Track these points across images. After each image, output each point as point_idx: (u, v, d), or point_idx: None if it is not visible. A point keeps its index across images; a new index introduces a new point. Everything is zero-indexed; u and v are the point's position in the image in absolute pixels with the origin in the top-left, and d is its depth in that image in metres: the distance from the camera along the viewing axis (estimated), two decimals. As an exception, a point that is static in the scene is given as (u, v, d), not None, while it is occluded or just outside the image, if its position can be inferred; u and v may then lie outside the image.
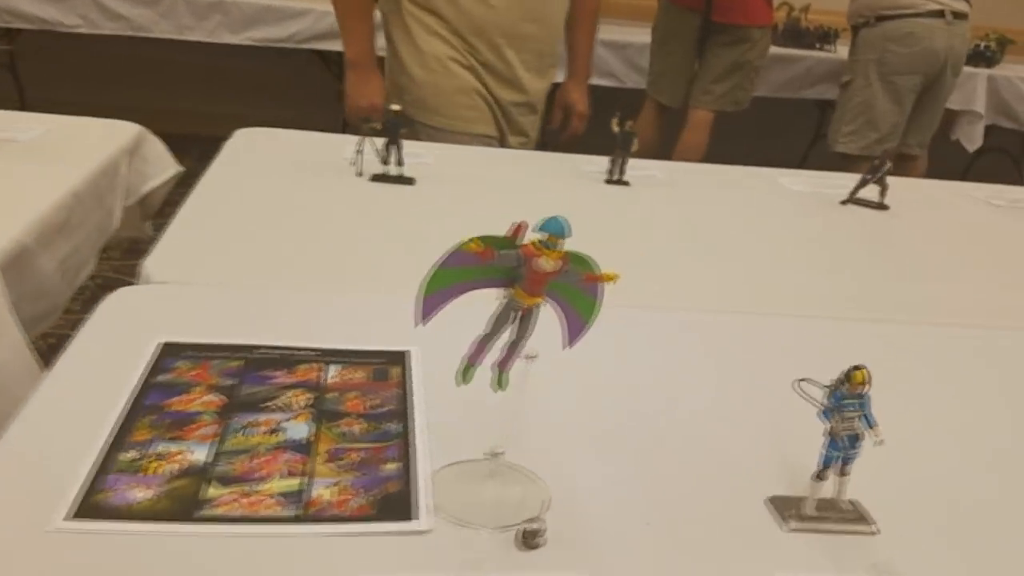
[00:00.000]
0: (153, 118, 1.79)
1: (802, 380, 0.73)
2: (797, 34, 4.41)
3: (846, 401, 0.73)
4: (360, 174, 1.55)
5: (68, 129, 1.64)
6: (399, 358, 0.93)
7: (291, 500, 0.70)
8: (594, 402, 0.91)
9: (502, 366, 0.71)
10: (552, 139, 2.34)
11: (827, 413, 0.73)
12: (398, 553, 0.66)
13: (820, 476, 0.75)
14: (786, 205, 1.71)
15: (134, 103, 2.96)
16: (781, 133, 4.37)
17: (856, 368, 0.72)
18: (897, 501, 0.79)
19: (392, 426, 0.81)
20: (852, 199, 1.72)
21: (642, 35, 3.74)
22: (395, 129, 1.52)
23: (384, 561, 0.65)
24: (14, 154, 1.46)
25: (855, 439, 0.73)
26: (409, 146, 1.72)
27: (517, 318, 0.69)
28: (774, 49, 4.15)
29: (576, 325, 0.73)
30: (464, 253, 0.65)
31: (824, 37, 4.41)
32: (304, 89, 4.35)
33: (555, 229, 0.66)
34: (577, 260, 0.69)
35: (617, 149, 1.69)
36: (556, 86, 2.28)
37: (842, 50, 4.29)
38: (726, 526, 0.74)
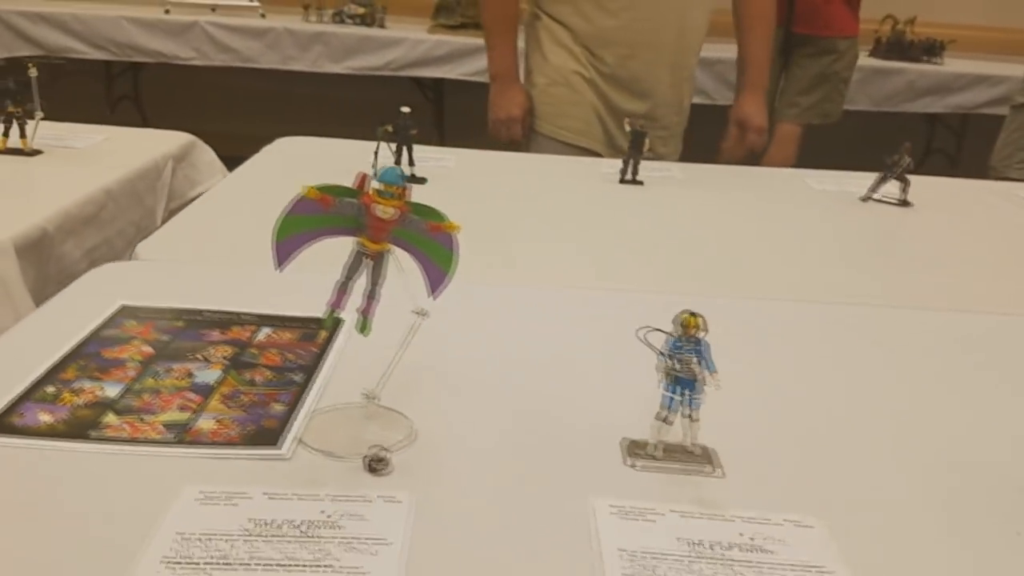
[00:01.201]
0: (261, 143, 1.89)
1: (646, 328, 0.77)
2: (901, 47, 4.31)
3: (680, 345, 0.76)
4: (376, 175, 1.63)
5: (123, 138, 1.80)
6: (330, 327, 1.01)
7: (174, 429, 0.78)
8: (481, 356, 0.97)
9: (363, 312, 0.78)
10: (728, 159, 2.28)
11: (663, 357, 0.76)
12: (257, 473, 0.73)
13: (663, 418, 0.78)
14: (805, 202, 1.71)
15: (244, 130, 3.16)
16: (890, 149, 4.28)
17: (688, 313, 0.75)
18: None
19: (295, 376, 0.89)
20: (873, 196, 1.70)
21: (732, 51, 3.73)
22: (405, 131, 1.61)
23: (243, 478, 0.72)
24: (65, 158, 1.62)
25: (694, 383, 0.77)
26: (432, 151, 1.83)
27: (370, 265, 0.76)
28: (876, 62, 4.09)
29: (436, 276, 0.79)
30: (307, 201, 0.73)
31: (930, 50, 4.28)
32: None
33: (390, 178, 0.72)
34: (421, 210, 0.75)
35: (629, 149, 1.72)
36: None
37: (950, 62, 4.17)
38: (573, 463, 0.78)
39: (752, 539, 0.69)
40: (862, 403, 0.93)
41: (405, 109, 1.62)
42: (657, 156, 2.16)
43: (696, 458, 0.79)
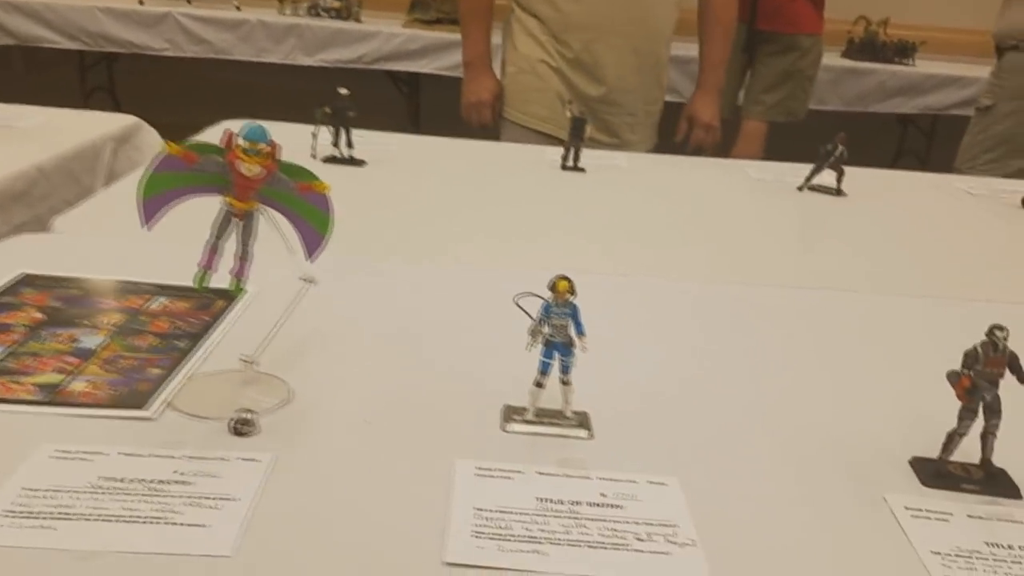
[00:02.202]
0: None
1: (522, 294, 0.77)
2: (874, 48, 4.32)
3: (554, 310, 0.76)
4: (314, 156, 1.64)
5: (65, 119, 1.79)
6: (230, 295, 1.00)
7: (45, 390, 0.78)
8: (376, 328, 0.97)
9: (235, 273, 0.78)
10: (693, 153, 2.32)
11: (539, 322, 0.76)
12: (118, 433, 0.73)
13: (538, 383, 0.78)
14: (741, 190, 1.71)
15: (219, 120, 3.15)
16: (862, 149, 4.29)
17: (560, 278, 0.75)
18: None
19: (180, 343, 0.89)
20: (809, 186, 1.70)
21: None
22: (343, 112, 1.60)
23: (103, 438, 0.72)
24: (2, 136, 1.61)
25: (567, 347, 0.77)
26: (377, 135, 1.82)
27: (239, 225, 0.76)
28: (848, 62, 4.10)
29: (313, 239, 0.79)
30: (171, 158, 0.72)
31: (902, 51, 4.29)
32: (376, 106, 4.51)
33: (254, 135, 0.72)
34: (290, 169, 0.75)
35: (570, 136, 1.72)
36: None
37: (922, 64, 4.19)
38: (445, 429, 0.78)
39: (605, 495, 0.69)
40: (746, 376, 0.93)
41: (343, 91, 1.61)
42: (623, 142, 2.18)
43: (569, 422, 0.79)
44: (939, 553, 0.66)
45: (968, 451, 0.75)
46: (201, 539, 0.61)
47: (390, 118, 4.18)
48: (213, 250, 0.76)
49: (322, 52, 4.02)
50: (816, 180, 1.70)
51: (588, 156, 1.82)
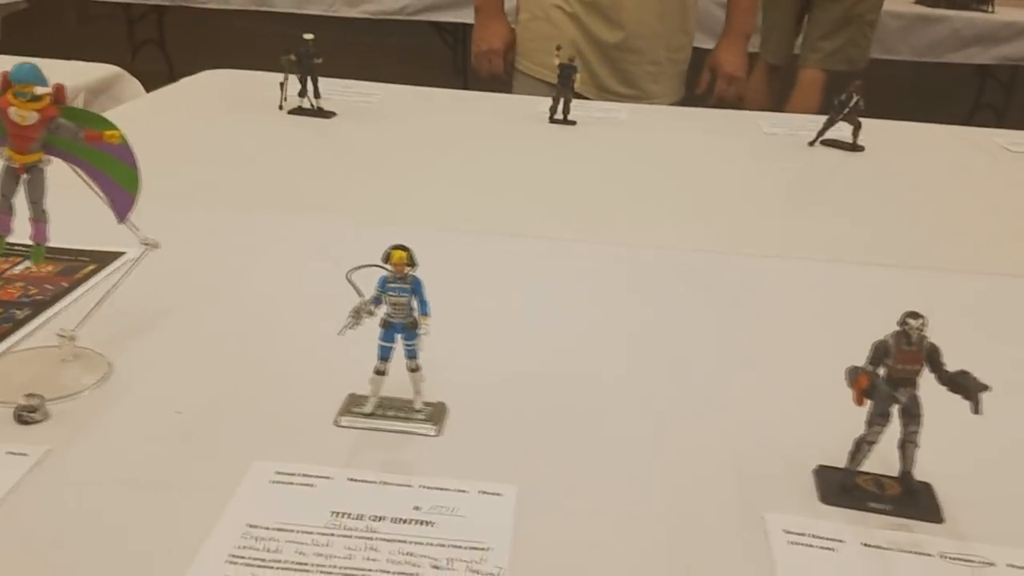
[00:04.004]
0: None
1: (358, 267, 0.65)
2: (948, -8, 4.03)
3: (391, 285, 0.64)
4: (282, 108, 1.54)
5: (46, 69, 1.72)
6: (107, 259, 0.91)
7: None
8: (222, 296, 0.87)
9: (34, 239, 0.68)
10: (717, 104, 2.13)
11: (376, 301, 0.65)
12: None
13: (378, 370, 0.67)
14: (747, 146, 1.56)
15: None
16: (935, 103, 4.02)
17: (395, 247, 0.64)
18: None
19: (20, 313, 0.80)
20: (822, 140, 1.54)
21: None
22: (309, 59, 1.50)
23: None
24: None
25: (409, 328, 0.65)
26: (359, 85, 1.71)
27: (25, 181, 0.66)
28: (920, 9, 3.83)
29: (122, 198, 0.68)
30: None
31: (980, -4, 4.00)
32: (421, 58, 4.40)
33: (23, 75, 0.62)
34: (76, 114, 0.65)
35: (559, 85, 1.59)
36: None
37: (1001, 10, 3.89)
38: (260, 424, 0.67)
39: (419, 509, 0.58)
40: (662, 365, 0.80)
41: (307, 36, 1.50)
42: (645, 94, 2.02)
43: (417, 415, 0.68)
44: (805, 596, 0.53)
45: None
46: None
47: (436, 72, 4.10)
48: (2, 210, 0.66)
49: (365, 3, 3.92)
50: (831, 134, 1.54)
51: (588, 108, 1.69)
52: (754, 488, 0.62)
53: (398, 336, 0.66)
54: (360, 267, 0.64)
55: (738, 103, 2.19)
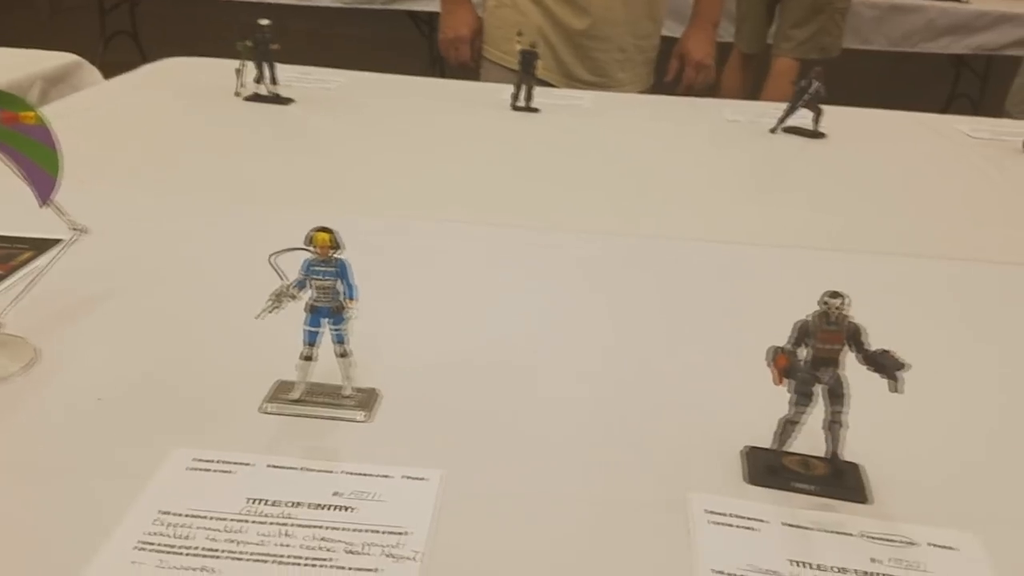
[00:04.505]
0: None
1: (281, 251, 0.65)
2: (923, -18, 4.04)
3: (316, 268, 0.63)
4: (239, 94, 1.52)
5: (4, 57, 1.70)
6: (45, 246, 0.90)
7: None
8: (157, 282, 0.86)
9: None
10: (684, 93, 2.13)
11: (301, 285, 0.64)
12: None
13: (305, 356, 0.66)
14: (708, 134, 1.55)
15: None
16: (912, 93, 4.02)
17: (319, 229, 0.63)
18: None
19: (-51, 299, 0.78)
20: (784, 127, 1.53)
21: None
22: (265, 45, 1.48)
23: None
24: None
25: (336, 312, 0.64)
26: (318, 71, 1.70)
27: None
28: (893, -1, 3.83)
29: (44, 181, 0.67)
30: None
31: (956, -14, 4.00)
32: (397, 48, 4.38)
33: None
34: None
35: (520, 72, 1.58)
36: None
37: (976, 1, 3.90)
38: (189, 410, 0.66)
39: (339, 495, 0.57)
40: (596, 347, 0.79)
41: (263, 22, 1.49)
42: (613, 82, 2.01)
43: (347, 402, 0.67)
44: (721, 573, 0.52)
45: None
46: None
47: (413, 61, 4.07)
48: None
49: (344, -7, 3.89)
50: (794, 121, 1.53)
51: (551, 95, 1.69)
52: (682, 469, 0.62)
53: (325, 321, 0.65)
54: (284, 251, 0.64)
55: (709, 91, 2.19)
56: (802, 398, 0.59)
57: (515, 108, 1.60)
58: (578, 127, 1.54)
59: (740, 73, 3.37)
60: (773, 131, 1.53)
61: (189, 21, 4.31)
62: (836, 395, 0.59)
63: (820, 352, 0.58)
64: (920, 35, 3.87)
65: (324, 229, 0.63)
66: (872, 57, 3.66)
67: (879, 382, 0.56)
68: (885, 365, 0.55)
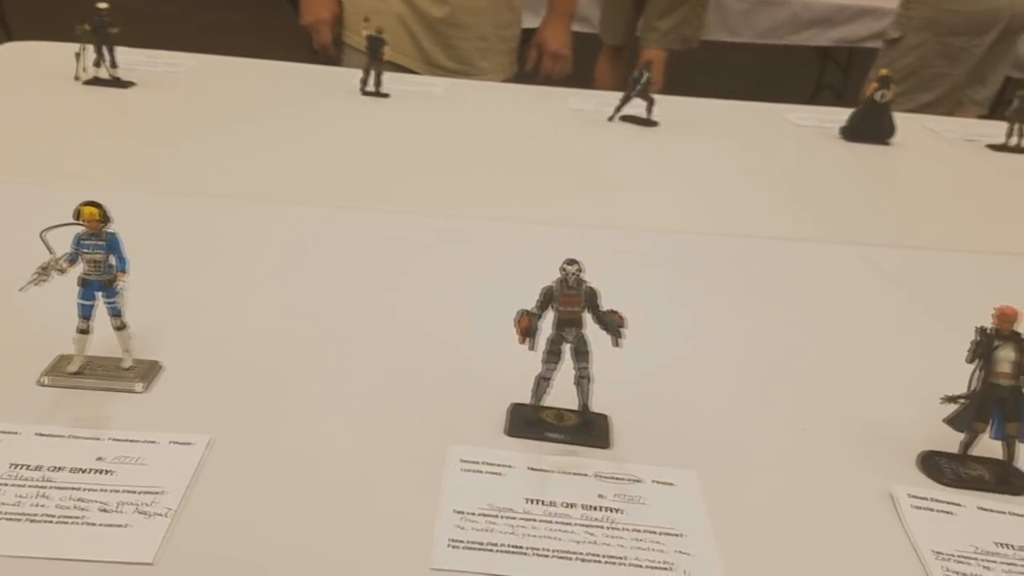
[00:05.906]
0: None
1: (52, 226, 0.66)
2: (788, -23, 4.18)
3: (85, 242, 0.65)
4: (78, 79, 1.51)
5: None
6: None
7: None
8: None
9: None
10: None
11: (73, 259, 0.66)
12: None
13: (80, 329, 0.67)
14: (550, 122, 1.60)
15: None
16: (780, 83, 4.16)
17: (86, 204, 0.64)
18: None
19: None
20: (621, 116, 1.59)
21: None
22: (103, 29, 1.47)
23: None
24: None
25: (108, 285, 0.66)
26: (167, 55, 1.69)
27: None
28: (762, -8, 3.97)
29: None
30: None
31: (820, -20, 4.16)
32: (277, 36, 4.33)
33: None
34: None
35: (368, 57, 1.60)
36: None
37: (838, -5, 4.06)
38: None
39: (102, 459, 0.60)
40: (367, 323, 0.83)
41: (102, 5, 1.47)
42: (475, 70, 2.05)
43: (125, 374, 0.69)
44: (462, 512, 0.56)
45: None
46: None
47: (295, 51, 4.04)
48: None
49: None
50: (631, 111, 1.59)
51: (403, 81, 1.72)
52: (449, 425, 0.66)
53: (99, 295, 0.67)
54: (56, 226, 0.65)
55: (563, 79, 2.25)
56: (551, 356, 0.64)
57: (364, 93, 1.62)
58: (426, 112, 1.57)
59: (611, 65, 3.44)
60: (611, 119, 1.59)
61: (63, 5, 4.18)
62: (580, 352, 0.64)
63: (563, 314, 0.63)
64: (786, 28, 4.02)
65: (92, 203, 0.65)
66: (742, 50, 3.78)
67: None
68: (607, 323, 0.60)
